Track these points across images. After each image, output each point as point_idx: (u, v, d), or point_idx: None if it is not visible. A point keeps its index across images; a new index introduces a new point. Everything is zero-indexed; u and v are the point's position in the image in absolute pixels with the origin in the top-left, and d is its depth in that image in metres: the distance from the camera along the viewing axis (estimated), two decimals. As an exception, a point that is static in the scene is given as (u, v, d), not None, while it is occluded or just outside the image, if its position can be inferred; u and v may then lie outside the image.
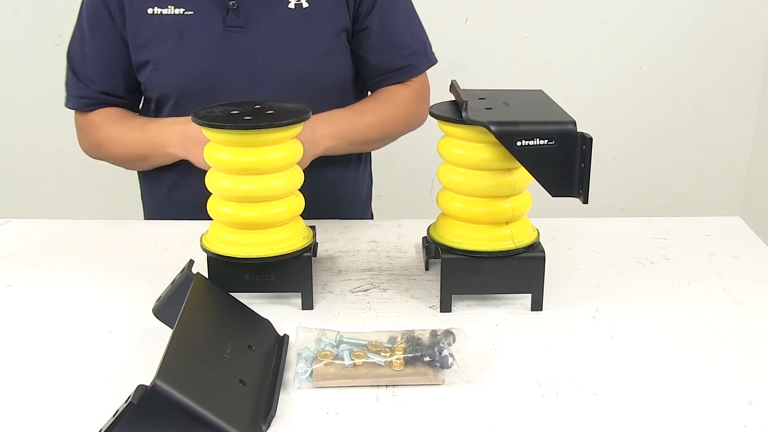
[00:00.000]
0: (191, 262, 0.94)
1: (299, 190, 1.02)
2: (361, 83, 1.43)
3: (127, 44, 1.32)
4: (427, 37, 1.43)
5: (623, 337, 0.95)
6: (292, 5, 1.30)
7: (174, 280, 0.93)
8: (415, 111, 1.41)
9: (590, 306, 1.02)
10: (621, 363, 0.89)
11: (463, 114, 0.92)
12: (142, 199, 1.50)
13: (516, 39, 2.37)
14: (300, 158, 1.00)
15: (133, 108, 1.41)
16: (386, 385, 0.84)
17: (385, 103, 1.39)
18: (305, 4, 1.30)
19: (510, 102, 1.00)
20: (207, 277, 0.98)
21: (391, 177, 1.80)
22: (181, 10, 1.28)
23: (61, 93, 2.44)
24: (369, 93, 1.46)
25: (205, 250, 1.00)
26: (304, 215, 1.03)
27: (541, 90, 1.07)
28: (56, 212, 2.45)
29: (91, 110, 1.38)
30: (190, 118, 0.96)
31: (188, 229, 1.24)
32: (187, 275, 0.92)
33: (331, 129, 1.30)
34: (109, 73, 1.35)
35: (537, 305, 1.01)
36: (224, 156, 0.96)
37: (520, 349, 0.92)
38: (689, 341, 0.94)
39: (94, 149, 1.40)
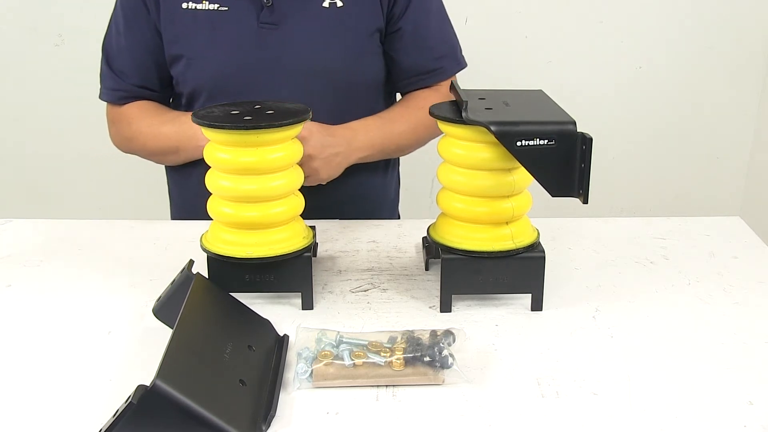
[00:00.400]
0: (191, 262, 0.94)
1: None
2: (391, 85, 1.43)
3: (162, 38, 1.32)
4: (457, 40, 1.44)
5: (623, 337, 0.95)
6: (326, 4, 1.30)
7: (174, 280, 0.93)
8: None
9: (590, 306, 1.02)
10: (621, 363, 0.89)
11: (463, 114, 0.92)
12: (169, 196, 1.50)
13: (516, 39, 2.37)
14: (300, 158, 1.00)
15: (166, 101, 1.41)
16: (386, 385, 0.84)
17: (417, 110, 1.39)
18: (339, 3, 1.30)
19: (510, 102, 1.00)
20: (207, 277, 0.98)
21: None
22: (216, 5, 1.29)
23: (62, 93, 2.45)
24: (398, 95, 1.47)
25: (205, 250, 1.00)
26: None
27: (541, 90, 1.07)
28: (57, 212, 2.45)
29: (125, 103, 1.38)
30: None
31: (188, 229, 1.24)
32: (187, 275, 0.92)
33: (366, 139, 1.31)
34: (144, 66, 1.35)
35: (537, 305, 1.01)
36: (224, 156, 0.96)
37: (520, 349, 0.92)
38: (689, 341, 0.94)
39: (125, 143, 1.40)
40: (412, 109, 1.39)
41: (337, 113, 1.31)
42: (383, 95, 1.42)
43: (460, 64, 1.43)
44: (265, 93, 1.16)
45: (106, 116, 1.42)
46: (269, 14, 1.29)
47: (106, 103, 1.41)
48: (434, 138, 1.43)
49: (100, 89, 1.39)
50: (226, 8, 1.29)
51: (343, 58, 1.32)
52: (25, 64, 2.37)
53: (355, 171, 1.33)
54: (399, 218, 1.58)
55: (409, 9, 1.35)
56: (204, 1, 1.28)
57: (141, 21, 1.32)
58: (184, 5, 1.29)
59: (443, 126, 0.98)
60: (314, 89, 1.30)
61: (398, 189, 1.58)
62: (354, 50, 1.32)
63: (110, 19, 1.38)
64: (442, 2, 1.42)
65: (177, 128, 1.31)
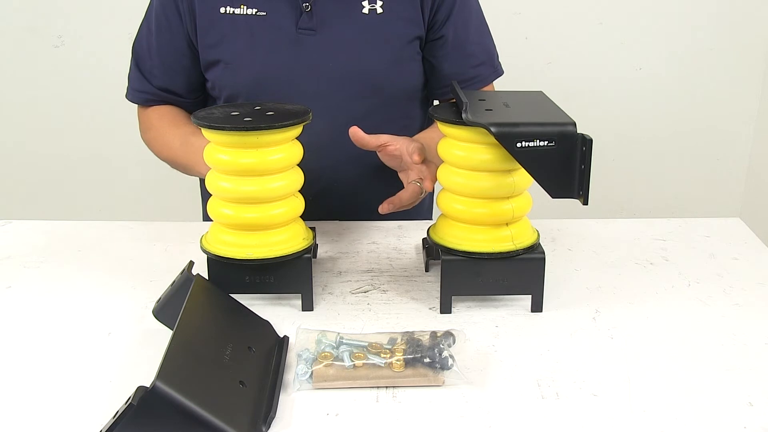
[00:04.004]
0: (191, 264, 0.94)
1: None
2: (429, 92, 1.41)
3: (192, 45, 1.32)
4: (495, 47, 1.41)
5: (623, 339, 0.95)
6: (366, 10, 1.28)
7: (174, 282, 0.93)
8: None
9: (590, 307, 1.02)
10: (621, 364, 0.89)
11: (463, 115, 0.92)
12: (202, 198, 1.49)
13: (516, 39, 2.37)
14: (300, 159, 1.00)
15: (191, 107, 1.40)
16: (386, 387, 0.84)
17: None
18: (379, 10, 1.28)
19: (510, 103, 1.00)
20: (207, 278, 0.98)
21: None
22: (254, 10, 1.27)
23: (61, 94, 2.45)
24: (435, 103, 1.45)
25: (205, 251, 1.00)
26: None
27: (541, 91, 1.07)
28: (57, 213, 2.45)
29: (150, 106, 1.38)
30: None
31: (188, 230, 1.24)
32: (187, 276, 0.92)
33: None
34: (172, 69, 1.35)
35: (537, 306, 1.01)
36: (224, 157, 0.96)
37: (520, 350, 0.92)
38: (689, 342, 0.94)
39: (147, 144, 1.41)
40: None
41: (374, 119, 1.30)
42: (420, 101, 1.41)
43: (497, 71, 1.40)
44: (302, 98, 1.15)
45: (137, 112, 1.43)
46: (308, 20, 1.27)
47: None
48: None
49: (127, 89, 1.39)
50: (264, 13, 1.28)
51: (382, 64, 1.30)
52: (25, 64, 2.37)
53: (389, 178, 1.32)
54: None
55: (451, 16, 1.33)
56: (242, 6, 1.27)
57: (173, 26, 1.31)
58: (222, 9, 1.28)
59: (443, 127, 0.98)
60: (352, 95, 1.29)
61: (432, 194, 1.56)
62: (393, 57, 1.31)
63: (142, 21, 1.37)
64: (480, 9, 1.40)
65: (185, 149, 1.29)
